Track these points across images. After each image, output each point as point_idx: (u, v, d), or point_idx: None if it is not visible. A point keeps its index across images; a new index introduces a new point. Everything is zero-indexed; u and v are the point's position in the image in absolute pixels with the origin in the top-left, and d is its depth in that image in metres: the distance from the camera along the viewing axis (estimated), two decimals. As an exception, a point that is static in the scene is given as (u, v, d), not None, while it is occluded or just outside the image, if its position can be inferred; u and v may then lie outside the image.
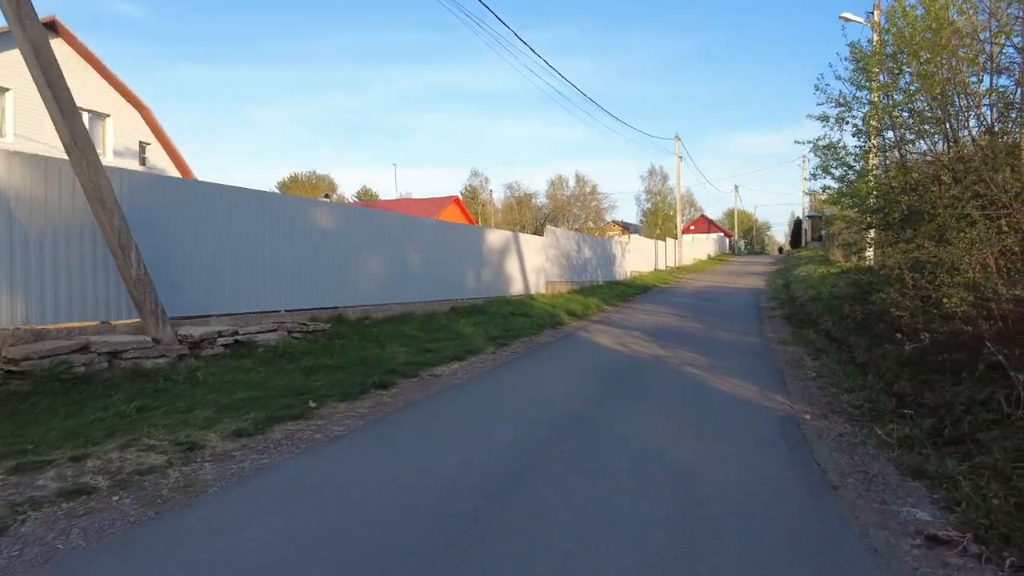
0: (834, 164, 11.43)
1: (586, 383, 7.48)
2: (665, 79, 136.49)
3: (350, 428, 5.50)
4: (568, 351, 10.26)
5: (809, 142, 11.07)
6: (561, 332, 12.59)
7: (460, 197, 42.22)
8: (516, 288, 17.63)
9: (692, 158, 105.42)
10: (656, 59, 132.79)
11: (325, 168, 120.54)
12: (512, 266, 17.43)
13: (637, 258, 32.52)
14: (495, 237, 16.66)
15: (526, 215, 72.00)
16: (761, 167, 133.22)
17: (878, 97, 10.68)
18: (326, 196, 43.83)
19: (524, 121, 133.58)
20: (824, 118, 10.54)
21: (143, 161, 26.54)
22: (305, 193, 59.78)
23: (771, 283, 27.27)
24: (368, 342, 9.67)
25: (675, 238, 42.61)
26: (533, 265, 18.75)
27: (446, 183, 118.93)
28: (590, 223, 71.90)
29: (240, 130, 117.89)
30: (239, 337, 8.49)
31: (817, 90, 10.58)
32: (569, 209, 74.11)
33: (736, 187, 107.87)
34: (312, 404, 6.21)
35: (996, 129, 8.74)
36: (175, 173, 27.03)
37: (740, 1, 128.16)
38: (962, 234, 7.04)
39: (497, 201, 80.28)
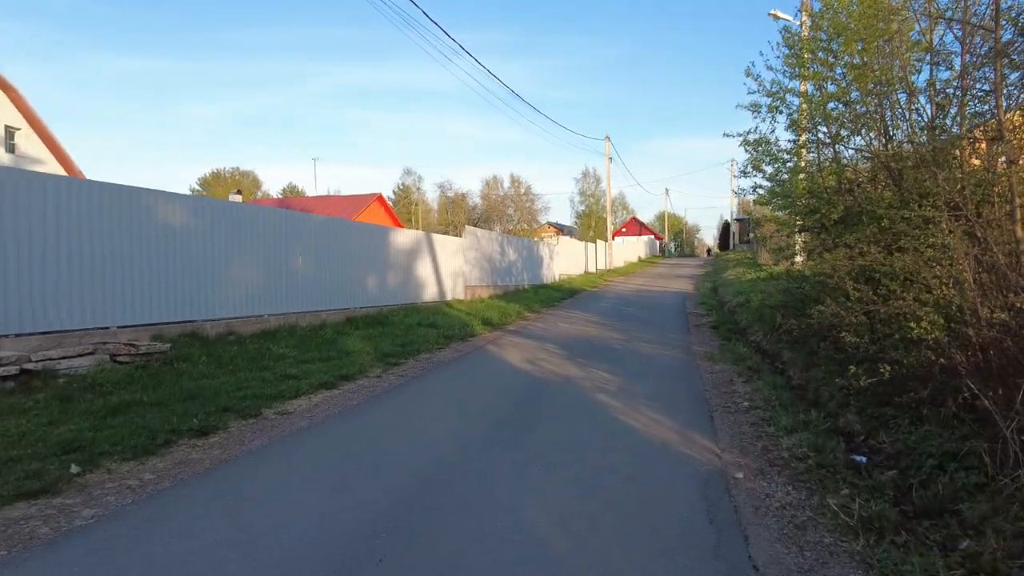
0: (766, 160, 10.45)
1: (475, 422, 5.98)
2: (596, 85, 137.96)
3: (109, 511, 3.79)
4: (468, 373, 8.76)
5: (739, 135, 10.01)
6: (469, 346, 11.07)
7: (383, 195, 40.02)
8: (429, 294, 16.01)
9: (622, 160, 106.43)
10: (586, 65, 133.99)
11: (253, 165, 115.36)
12: (424, 270, 15.79)
13: (566, 260, 31.47)
14: (404, 238, 14.98)
15: (459, 215, 70.28)
16: (691, 170, 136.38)
17: (811, 87, 9.74)
18: (237, 192, 40.68)
19: (461, 122, 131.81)
20: (755, 107, 9.48)
21: (11, 148, 23.31)
22: (228, 190, 56.03)
23: (699, 287, 26.74)
24: (218, 367, 7.84)
25: (607, 240, 41.98)
26: (450, 268, 17.17)
27: (379, 183, 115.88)
28: (523, 224, 70.93)
29: (165, 124, 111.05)
30: (31, 366, 6.53)
31: (748, 76, 9.53)
32: (503, 210, 72.88)
33: (667, 190, 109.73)
34: (75, 469, 4.43)
35: (935, 125, 7.85)
36: (51, 162, 23.94)
37: (670, 9, 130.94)
38: (921, 241, 5.98)
39: (431, 201, 78.22)
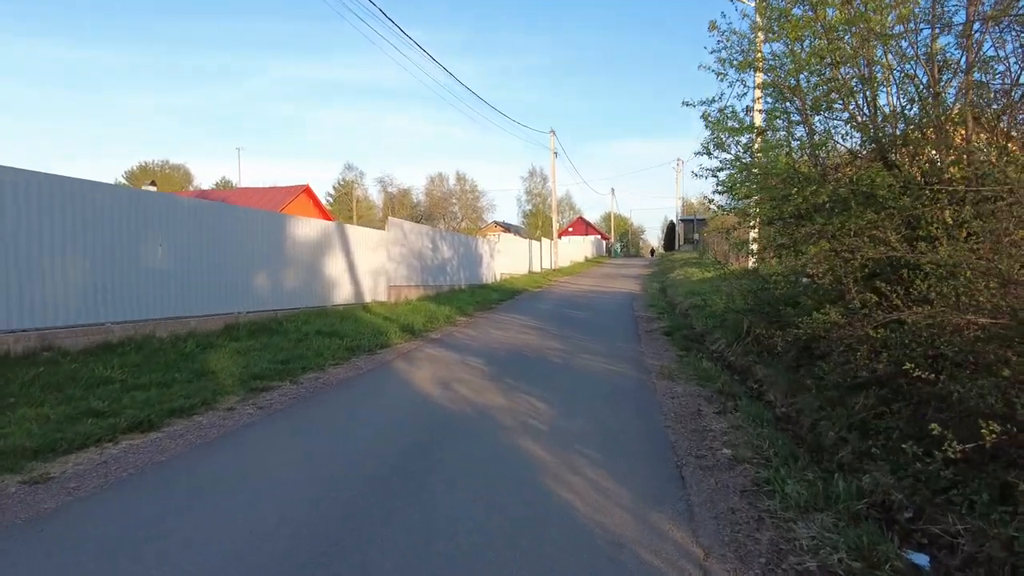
0: (728, 136, 8.78)
1: (331, 496, 3.90)
2: (542, 85, 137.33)
3: None
4: (355, 403, 6.63)
5: (701, 103, 8.27)
6: (374, 361, 8.95)
7: (312, 187, 37.12)
8: (342, 295, 13.75)
9: (569, 157, 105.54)
10: (533, 66, 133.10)
11: (189, 160, 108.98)
12: (336, 267, 13.52)
13: (509, 259, 29.58)
14: (308, 229, 12.68)
15: (401, 212, 67.55)
16: (638, 169, 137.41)
17: (785, 47, 8.08)
18: (152, 184, 37.08)
19: (409, 120, 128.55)
20: (722, 65, 7.72)
21: None
22: (159, 186, 51.82)
23: (646, 287, 25.32)
24: (-13, 400, 5.50)
25: (553, 239, 40.34)
26: (369, 266, 14.94)
27: (322, 180, 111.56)
28: (468, 222, 68.81)
29: (100, 116, 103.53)
30: None
31: (714, 29, 7.77)
32: (447, 207, 70.64)
33: (612, 190, 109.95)
34: None
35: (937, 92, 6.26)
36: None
37: (617, 14, 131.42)
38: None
39: (375, 198, 75.11)
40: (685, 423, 5.45)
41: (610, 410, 5.92)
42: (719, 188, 10.00)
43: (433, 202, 69.51)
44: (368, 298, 14.82)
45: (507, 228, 65.83)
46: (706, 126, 9.65)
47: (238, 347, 8.87)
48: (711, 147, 9.43)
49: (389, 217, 16.75)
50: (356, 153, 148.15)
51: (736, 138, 8.99)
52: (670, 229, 79.32)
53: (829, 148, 7.88)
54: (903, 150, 6.68)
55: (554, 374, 7.81)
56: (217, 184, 76.21)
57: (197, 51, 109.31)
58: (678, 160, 65.98)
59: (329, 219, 36.66)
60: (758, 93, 9.05)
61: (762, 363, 7.68)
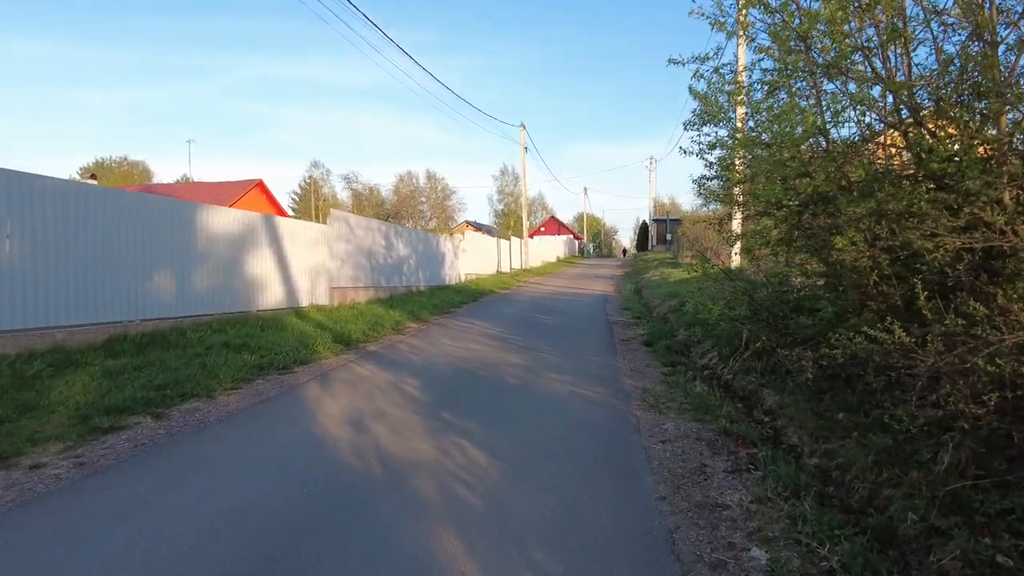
0: (727, 104, 7.23)
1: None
2: (515, 86, 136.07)
3: None
4: (222, 457, 4.75)
5: (693, 61, 6.62)
6: (283, 384, 7.12)
7: (265, 182, 34.75)
8: (272, 299, 11.83)
9: (540, 154, 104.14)
10: (506, 67, 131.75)
11: (154, 158, 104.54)
12: (262, 265, 11.61)
13: (476, 259, 27.81)
14: (226, 221, 10.74)
15: (368, 211, 65.14)
16: (610, 168, 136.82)
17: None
18: (92, 177, 34.37)
19: (380, 119, 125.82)
20: (720, 10, 6.10)
21: None
22: (114, 182, 48.79)
23: (620, 288, 23.80)
24: None
25: (523, 238, 38.66)
26: (306, 264, 13.04)
27: (288, 179, 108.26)
28: (436, 221, 66.76)
29: (69, 113, 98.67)
30: None
31: (711, -38, 6.13)
32: (415, 205, 68.47)
33: (585, 189, 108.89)
34: None
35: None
36: None
37: (585, 18, 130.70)
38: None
39: (344, 197, 72.43)
40: (686, 491, 3.77)
41: (578, 469, 4.19)
42: (710, 172, 8.43)
43: (401, 200, 67.21)
44: (304, 301, 12.92)
45: (478, 228, 64.07)
46: (694, 97, 8.11)
47: (113, 366, 6.95)
48: (702, 120, 7.86)
49: (332, 209, 14.85)
50: (327, 153, 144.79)
51: (733, 108, 7.43)
52: (642, 229, 78.39)
53: (845, 118, 6.31)
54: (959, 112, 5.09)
55: (508, 404, 6.07)
56: (178, 181, 72.96)
57: (166, 48, 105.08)
58: (651, 158, 64.99)
59: (285, 215, 34.37)
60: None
61: (771, 387, 6.07)
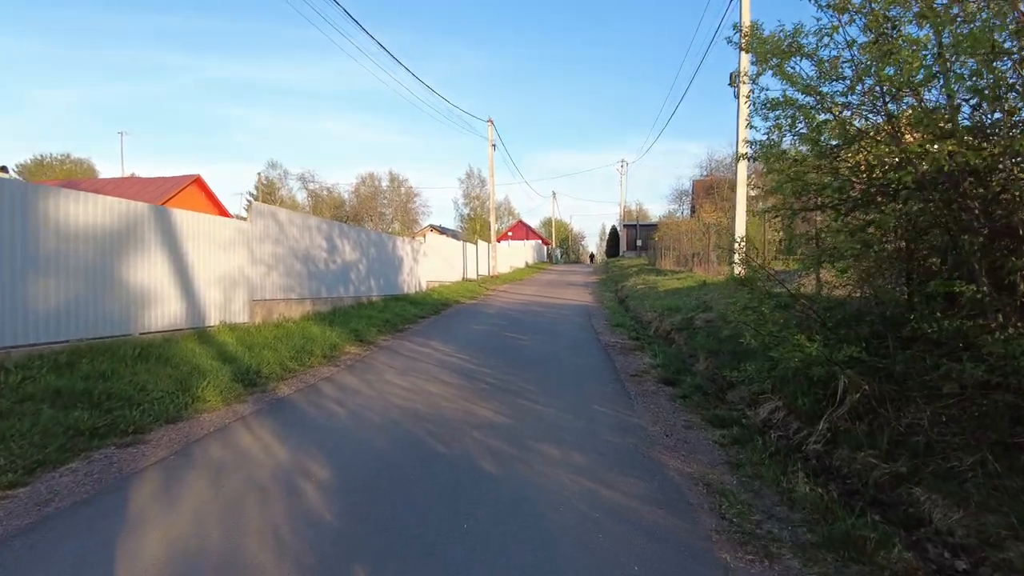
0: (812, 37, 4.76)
1: None
2: (484, 91, 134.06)
3: None
4: None
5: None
6: (103, 477, 4.29)
7: (203, 178, 31.18)
8: (164, 316, 8.89)
9: (508, 152, 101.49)
10: (475, 71, 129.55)
11: (105, 157, 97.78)
12: (152, 273, 8.67)
13: (439, 265, 25.00)
14: (94, 211, 7.78)
15: (326, 213, 61.54)
16: (578, 171, 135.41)
17: None
18: (2, 169, 30.37)
19: (346, 123, 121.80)
20: None
21: None
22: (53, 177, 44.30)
23: (600, 298, 21.32)
24: None
25: (491, 242, 35.96)
26: (217, 271, 10.11)
27: (246, 181, 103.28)
28: (399, 225, 63.62)
29: (8, 108, 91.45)
30: None
31: None
32: (376, 208, 65.19)
33: (554, 193, 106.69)
34: None
35: None
36: None
37: (556, 24, 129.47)
38: None
39: (303, 199, 68.45)
40: None
41: None
42: (750, 149, 5.96)
43: (361, 202, 63.84)
44: (214, 319, 9.98)
45: (443, 232, 61.20)
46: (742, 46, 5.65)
47: None
48: (767, 62, 5.34)
49: (254, 202, 11.92)
50: (287, 155, 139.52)
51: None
52: (612, 235, 76.58)
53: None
54: None
55: (479, 540, 3.36)
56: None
57: (115, 44, 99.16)
58: (622, 161, 63.17)
59: (227, 216, 30.94)
60: None
61: (930, 485, 3.53)
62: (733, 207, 15.28)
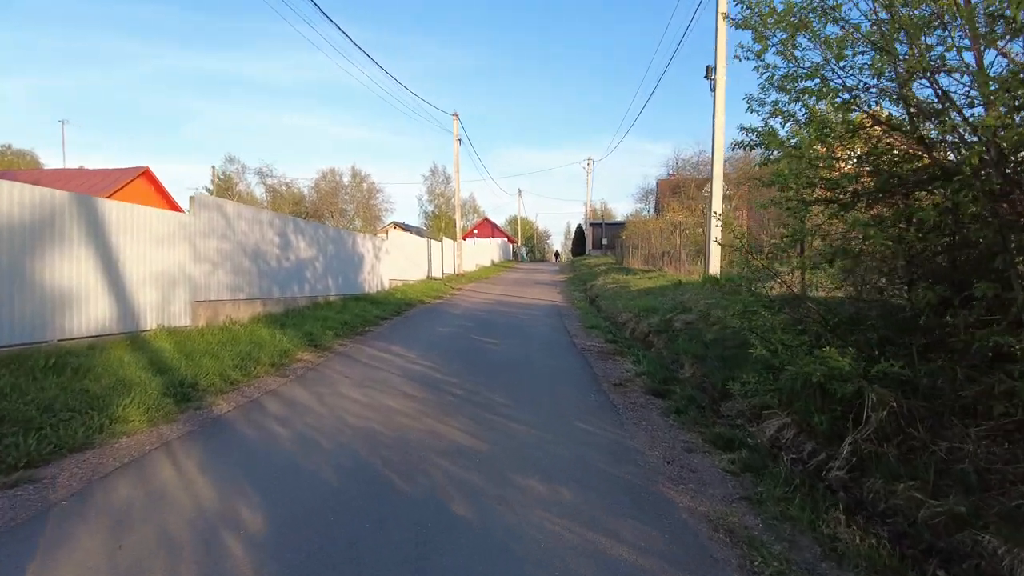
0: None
1: None
2: (450, 88, 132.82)
3: None
4: None
5: None
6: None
7: (152, 170, 29.41)
8: (90, 320, 7.83)
9: (474, 148, 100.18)
10: (440, 69, 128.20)
11: (52, 149, 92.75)
12: (74, 271, 7.62)
13: (402, 262, 24.03)
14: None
15: (285, 209, 59.53)
16: (543, 169, 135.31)
17: None
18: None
19: (312, 118, 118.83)
20: None
21: None
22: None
23: (570, 297, 20.72)
24: None
25: (456, 239, 35.07)
26: (154, 268, 9.07)
27: (203, 177, 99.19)
28: (361, 222, 62.02)
29: None
30: None
31: None
32: (337, 204, 63.39)
33: (520, 191, 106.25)
34: None
35: None
36: None
37: (520, 22, 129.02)
38: None
39: (261, 195, 65.96)
40: None
41: None
42: (747, 137, 5.36)
43: (322, 198, 61.98)
44: (150, 322, 8.94)
45: (407, 229, 59.93)
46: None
47: None
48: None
49: (196, 194, 10.84)
50: (248, 151, 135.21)
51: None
52: (578, 233, 76.40)
53: None
54: None
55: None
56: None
57: (68, 32, 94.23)
58: (588, 159, 62.89)
59: (179, 210, 29.27)
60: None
61: (996, 529, 2.91)
62: (708, 203, 14.80)
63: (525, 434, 4.97)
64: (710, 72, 14.21)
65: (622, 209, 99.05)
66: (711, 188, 14.57)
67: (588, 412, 5.76)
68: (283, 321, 11.27)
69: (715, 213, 12.47)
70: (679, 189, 35.83)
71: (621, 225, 50.53)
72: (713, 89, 14.23)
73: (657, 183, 48.80)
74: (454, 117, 32.74)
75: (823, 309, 5.20)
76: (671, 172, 44.79)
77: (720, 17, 13.87)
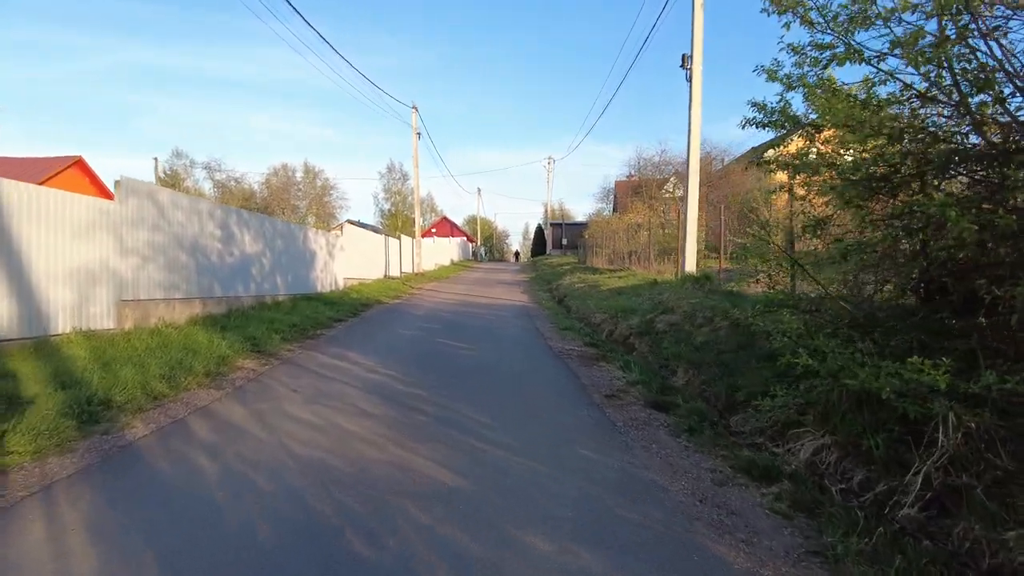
0: None
1: None
2: (410, 85, 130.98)
3: None
4: None
5: None
6: None
7: (86, 159, 27.23)
8: (-22, 324, 6.53)
9: (433, 143, 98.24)
10: (401, 67, 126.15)
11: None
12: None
13: (358, 260, 22.73)
14: None
15: (234, 205, 56.82)
16: (503, 168, 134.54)
17: None
18: None
19: (267, 117, 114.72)
20: None
21: None
22: None
23: (536, 297, 19.89)
24: None
25: (415, 237, 33.83)
26: (69, 263, 7.79)
27: (148, 172, 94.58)
28: (314, 219, 59.87)
29: None
30: None
31: None
32: (289, 200, 61.07)
33: (479, 189, 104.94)
34: None
35: None
36: None
37: (481, 20, 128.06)
38: None
39: (210, 190, 62.80)
40: None
41: None
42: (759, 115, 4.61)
43: (272, 193, 59.58)
44: (63, 325, 7.64)
45: (363, 227, 58.09)
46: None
47: None
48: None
49: (123, 178, 9.48)
50: (200, 146, 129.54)
51: None
52: (538, 233, 75.86)
53: None
54: None
55: None
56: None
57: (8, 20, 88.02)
58: (549, 158, 62.36)
59: (111, 199, 27.19)
60: None
61: None
62: (684, 201, 14.16)
63: (515, 465, 4.05)
64: (686, 61, 13.57)
65: (581, 209, 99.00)
66: (687, 183, 13.93)
67: (584, 433, 4.87)
68: (224, 323, 10.04)
69: (690, 208, 11.79)
70: (641, 189, 35.55)
71: (583, 225, 50.12)
72: (689, 79, 13.59)
73: (615, 184, 48.61)
74: (413, 110, 31.54)
75: (863, 314, 4.45)
76: (632, 173, 44.62)
77: (697, 3, 13.26)
